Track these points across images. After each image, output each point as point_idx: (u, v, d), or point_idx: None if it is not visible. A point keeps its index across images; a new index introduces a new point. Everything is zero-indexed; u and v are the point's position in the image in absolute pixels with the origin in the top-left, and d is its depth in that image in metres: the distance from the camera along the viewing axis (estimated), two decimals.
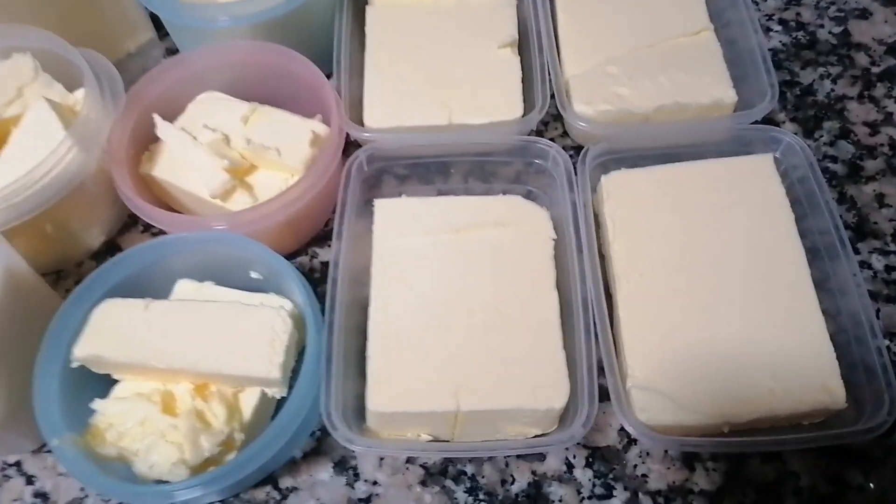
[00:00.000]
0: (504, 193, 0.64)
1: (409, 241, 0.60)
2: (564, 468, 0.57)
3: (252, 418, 0.54)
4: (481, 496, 0.56)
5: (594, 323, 0.55)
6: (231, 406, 0.54)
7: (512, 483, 0.57)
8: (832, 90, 0.76)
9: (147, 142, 0.66)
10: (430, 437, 0.56)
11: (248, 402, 0.55)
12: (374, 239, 0.60)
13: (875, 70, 0.77)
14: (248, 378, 0.53)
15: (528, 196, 0.65)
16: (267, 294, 0.58)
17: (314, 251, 0.68)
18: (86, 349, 0.52)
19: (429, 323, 0.56)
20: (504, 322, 0.56)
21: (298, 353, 0.57)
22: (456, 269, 0.59)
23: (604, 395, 0.53)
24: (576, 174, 0.62)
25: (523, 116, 0.66)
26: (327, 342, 0.54)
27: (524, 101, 0.67)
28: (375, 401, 0.53)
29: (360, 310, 0.58)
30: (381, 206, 0.62)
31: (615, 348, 0.55)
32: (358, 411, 0.55)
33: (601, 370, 0.54)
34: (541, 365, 0.54)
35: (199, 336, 0.53)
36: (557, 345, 0.55)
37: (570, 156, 0.69)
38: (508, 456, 0.57)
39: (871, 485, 0.55)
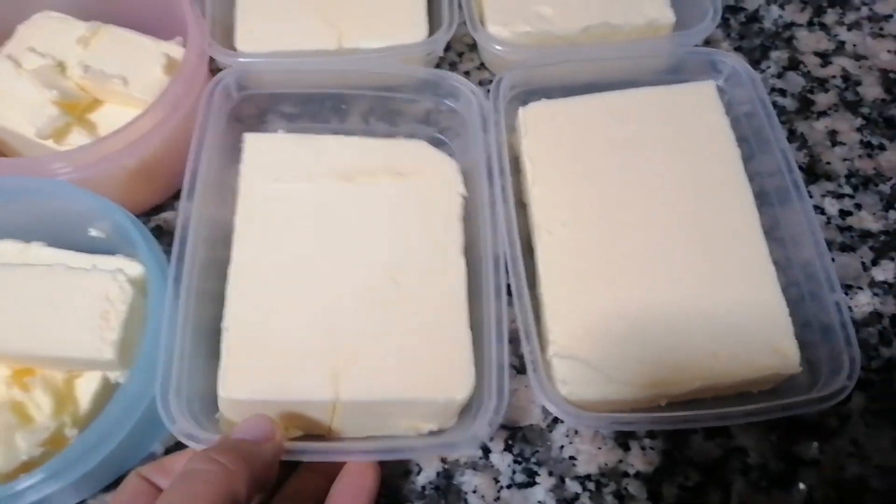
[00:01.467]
0: (409, 137, 0.54)
1: (284, 188, 0.50)
2: (480, 453, 0.49)
3: (90, 409, 0.45)
4: (382, 492, 0.47)
5: (507, 289, 0.46)
6: (61, 395, 0.44)
7: (418, 474, 0.48)
8: (780, 17, 0.69)
9: None
10: (300, 432, 0.46)
11: (86, 389, 0.45)
12: (241, 182, 0.50)
13: None
14: (76, 360, 0.43)
15: (437, 142, 0.55)
16: (112, 256, 0.48)
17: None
18: None
19: (304, 290, 0.47)
20: (399, 293, 0.47)
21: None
22: (341, 226, 0.49)
23: (522, 367, 0.45)
24: (492, 109, 0.53)
25: (428, 38, 0.57)
26: (170, 312, 0.43)
27: (429, 20, 0.58)
28: (229, 385, 0.43)
29: (222, 275, 0.48)
30: (251, 141, 0.52)
31: (535, 312, 0.46)
32: (212, 398, 0.45)
33: (515, 347, 0.46)
34: (441, 347, 0.45)
35: (17, 309, 0.44)
36: (462, 322, 0.46)
37: (487, 91, 0.61)
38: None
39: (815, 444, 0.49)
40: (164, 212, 0.57)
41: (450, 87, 0.55)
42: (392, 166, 0.51)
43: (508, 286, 0.47)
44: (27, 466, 0.42)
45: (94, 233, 0.49)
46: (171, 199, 0.58)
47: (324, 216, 0.49)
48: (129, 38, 0.54)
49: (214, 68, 0.57)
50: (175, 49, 0.54)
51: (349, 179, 0.51)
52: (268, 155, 0.51)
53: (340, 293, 0.46)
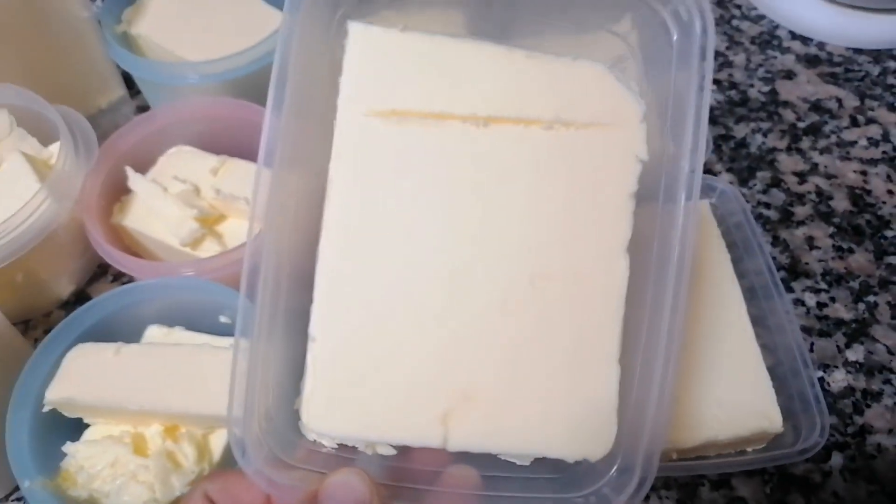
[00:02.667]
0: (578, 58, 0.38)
1: (393, 133, 0.36)
2: None
3: (222, 459, 0.55)
4: None
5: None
6: (201, 447, 0.55)
7: None
8: (763, 143, 0.82)
9: (119, 193, 0.69)
10: (393, 451, 0.38)
11: (218, 442, 0.56)
12: (339, 109, 0.36)
13: (801, 125, 0.84)
14: (217, 417, 0.54)
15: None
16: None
17: None
18: (58, 392, 0.53)
19: (412, 289, 0.36)
20: (536, 304, 0.35)
21: None
22: (469, 196, 0.36)
23: None
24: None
25: None
26: (250, 348, 0.35)
27: None
28: (317, 418, 0.36)
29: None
30: (357, 39, 0.36)
31: None
32: (283, 400, 0.37)
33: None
34: (581, 386, 0.35)
35: (170, 378, 0.55)
36: (611, 355, 0.36)
37: None
38: None
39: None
40: None
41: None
42: (551, 102, 0.36)
43: None
44: (178, 502, 0.53)
45: (223, 319, 0.61)
46: None
47: (447, 181, 0.36)
48: (250, 168, 0.67)
49: None
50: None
51: (488, 122, 0.36)
52: (378, 64, 0.36)
53: (460, 297, 0.35)
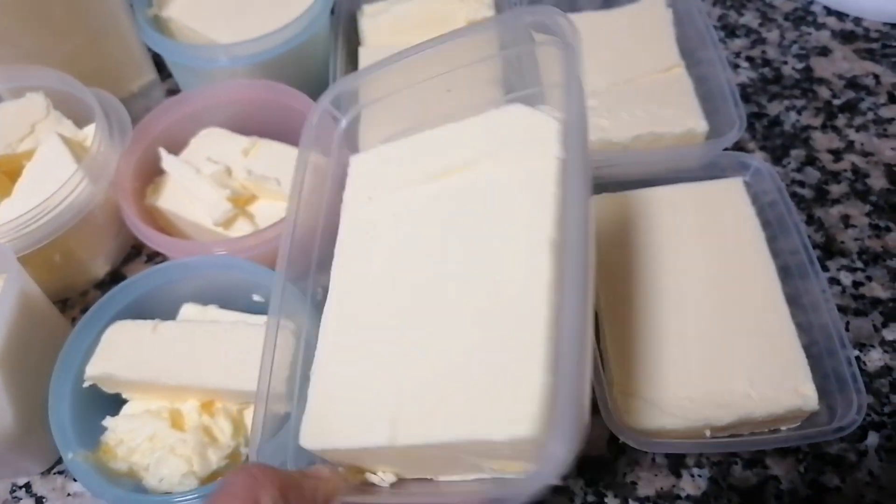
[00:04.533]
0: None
1: (374, 207, 0.47)
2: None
3: None
4: None
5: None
6: (236, 422, 0.56)
7: None
8: (797, 121, 0.81)
9: (152, 175, 0.70)
10: (395, 477, 0.44)
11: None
12: (343, 210, 0.48)
13: (836, 102, 0.82)
14: (252, 393, 0.54)
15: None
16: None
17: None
18: (98, 368, 0.55)
19: (391, 329, 0.42)
20: (473, 316, 0.40)
21: None
22: (432, 245, 0.43)
23: (592, 407, 0.56)
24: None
25: None
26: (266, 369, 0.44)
27: None
28: (305, 436, 0.43)
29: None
30: (355, 164, 0.50)
31: (601, 360, 0.58)
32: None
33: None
34: (508, 377, 0.37)
35: (206, 354, 0.56)
36: (539, 344, 0.37)
37: None
38: None
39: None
40: None
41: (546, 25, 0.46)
42: (490, 144, 0.44)
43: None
44: (215, 475, 0.54)
45: (256, 297, 0.62)
46: None
47: (414, 235, 0.44)
48: (279, 149, 0.68)
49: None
50: (316, 156, 0.68)
51: (441, 176, 0.45)
52: (366, 175, 0.49)
53: (429, 334, 0.41)
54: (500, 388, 0.37)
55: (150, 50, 0.80)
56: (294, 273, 0.48)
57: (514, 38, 0.50)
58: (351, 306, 0.45)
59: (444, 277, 0.42)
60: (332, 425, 0.41)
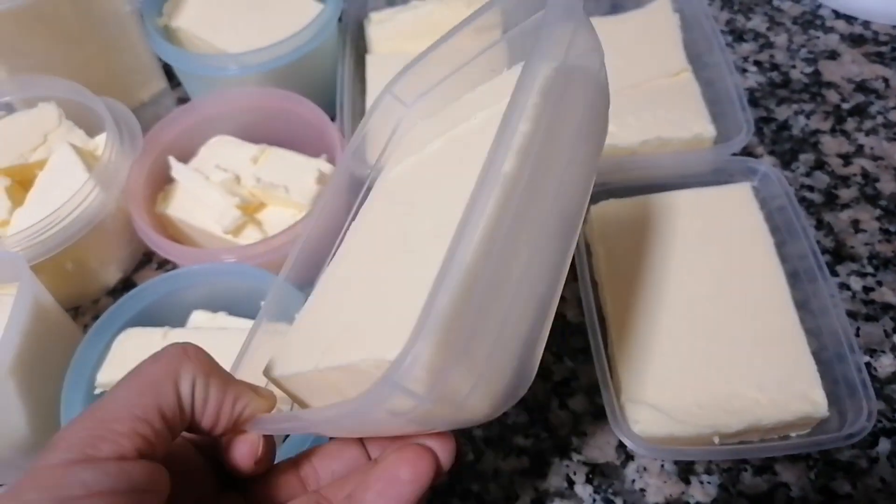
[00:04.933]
0: None
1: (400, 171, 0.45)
2: (566, 484, 0.59)
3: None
4: None
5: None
6: None
7: (516, 500, 0.59)
8: (806, 125, 0.81)
9: (162, 183, 0.70)
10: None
11: None
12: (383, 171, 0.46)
13: (845, 106, 0.82)
14: None
15: None
16: (278, 322, 0.61)
17: None
18: (109, 375, 0.55)
19: (364, 272, 0.41)
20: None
21: None
22: (446, 188, 0.39)
23: (600, 413, 0.56)
24: None
25: None
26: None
27: None
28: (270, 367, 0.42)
29: None
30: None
31: (609, 367, 0.58)
32: None
33: (593, 396, 0.53)
34: (408, 299, 0.34)
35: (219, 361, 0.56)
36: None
37: None
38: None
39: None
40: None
41: None
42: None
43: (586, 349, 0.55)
44: None
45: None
46: None
47: (432, 178, 0.41)
48: (288, 157, 0.69)
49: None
50: (324, 164, 0.68)
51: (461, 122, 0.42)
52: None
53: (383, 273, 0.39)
54: (398, 314, 0.33)
55: (160, 59, 0.81)
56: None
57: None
58: (347, 263, 0.44)
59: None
60: (285, 358, 0.41)
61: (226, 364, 0.51)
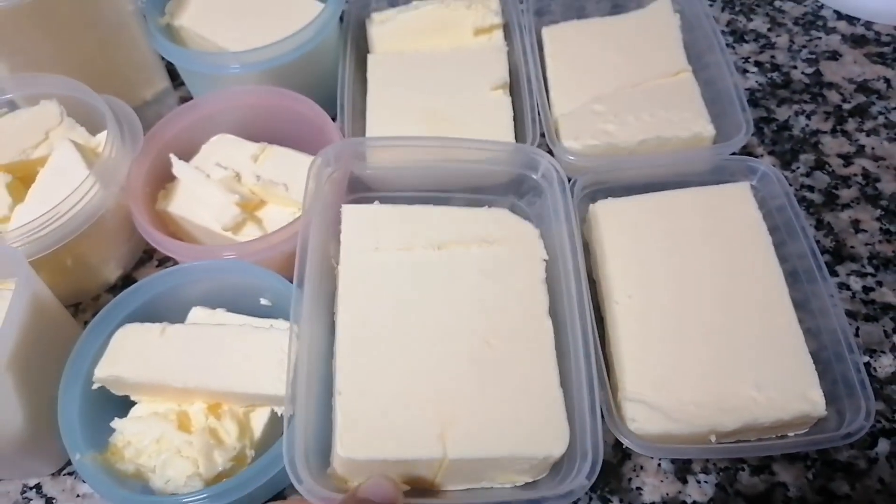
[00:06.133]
0: (489, 206, 0.60)
1: (381, 257, 0.55)
2: None
3: (262, 436, 0.57)
4: None
5: (594, 361, 0.52)
6: (242, 424, 0.57)
7: None
8: (807, 125, 0.80)
9: (163, 181, 0.71)
10: (406, 487, 0.50)
11: (259, 420, 0.57)
12: (342, 249, 0.55)
13: (846, 107, 0.82)
14: (259, 396, 0.56)
15: (515, 211, 0.62)
16: (277, 319, 0.61)
17: None
18: (106, 370, 0.55)
19: (406, 353, 0.50)
20: (493, 354, 0.51)
21: None
22: (437, 291, 0.53)
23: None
24: (571, 195, 0.61)
25: None
26: (291, 382, 0.48)
27: (516, 139, 0.71)
28: (347, 445, 0.47)
29: (331, 332, 0.54)
30: (349, 213, 0.57)
31: (606, 365, 0.58)
32: (320, 453, 0.50)
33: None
34: (536, 405, 0.49)
35: (213, 357, 0.56)
36: (553, 381, 0.51)
37: None
38: None
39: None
40: None
41: (529, 161, 0.62)
42: (479, 233, 0.56)
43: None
44: (220, 477, 0.54)
45: (263, 301, 0.62)
46: None
47: (420, 282, 0.54)
48: (288, 154, 0.69)
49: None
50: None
51: (441, 247, 0.56)
52: (365, 225, 0.56)
53: (440, 355, 0.51)
54: (531, 413, 0.49)
55: (163, 59, 0.82)
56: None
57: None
58: (366, 333, 0.51)
59: (456, 325, 0.52)
60: (377, 438, 0.47)
61: (230, 362, 0.56)
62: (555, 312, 0.55)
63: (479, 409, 0.49)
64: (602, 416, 0.51)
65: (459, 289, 0.54)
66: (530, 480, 0.52)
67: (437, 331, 0.52)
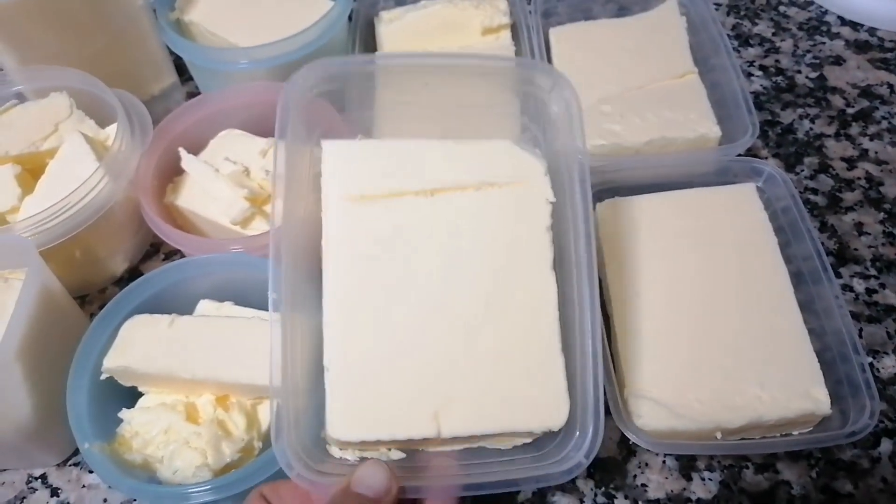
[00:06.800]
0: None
1: (367, 210, 0.48)
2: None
3: (269, 428, 0.57)
4: None
5: (599, 328, 0.47)
6: (250, 416, 0.57)
7: (518, 493, 0.59)
8: (811, 129, 0.81)
9: (171, 174, 0.71)
10: (402, 454, 0.48)
11: (267, 412, 0.57)
12: (323, 199, 0.48)
13: (850, 111, 0.82)
14: (266, 387, 0.55)
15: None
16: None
17: None
18: (115, 361, 0.55)
19: (399, 321, 0.46)
20: (492, 319, 0.46)
21: None
22: (431, 250, 0.47)
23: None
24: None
25: None
26: (280, 364, 0.44)
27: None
28: (337, 426, 0.45)
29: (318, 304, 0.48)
30: (329, 148, 0.49)
31: (612, 362, 0.58)
32: (312, 428, 0.47)
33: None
34: (536, 375, 0.46)
35: (221, 349, 0.56)
36: (554, 347, 0.46)
37: None
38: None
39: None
40: None
41: (539, 77, 0.53)
42: (479, 174, 0.49)
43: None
44: (228, 468, 0.54)
45: (273, 295, 0.63)
46: None
47: (412, 239, 0.48)
48: None
49: None
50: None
51: (435, 193, 0.49)
52: (348, 164, 0.48)
53: (434, 323, 0.46)
54: (528, 385, 0.45)
55: (171, 54, 0.82)
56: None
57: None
58: (356, 304, 0.47)
59: (453, 286, 0.47)
60: (370, 418, 0.45)
61: (238, 353, 0.55)
62: (560, 262, 0.49)
63: (474, 384, 0.45)
64: (605, 396, 0.48)
65: (456, 244, 0.48)
66: (530, 441, 0.49)
67: (432, 295, 0.47)
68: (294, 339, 0.45)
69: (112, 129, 0.68)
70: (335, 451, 0.47)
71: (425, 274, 0.47)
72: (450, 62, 0.56)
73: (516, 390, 0.45)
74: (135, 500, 0.59)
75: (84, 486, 0.60)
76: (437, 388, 0.45)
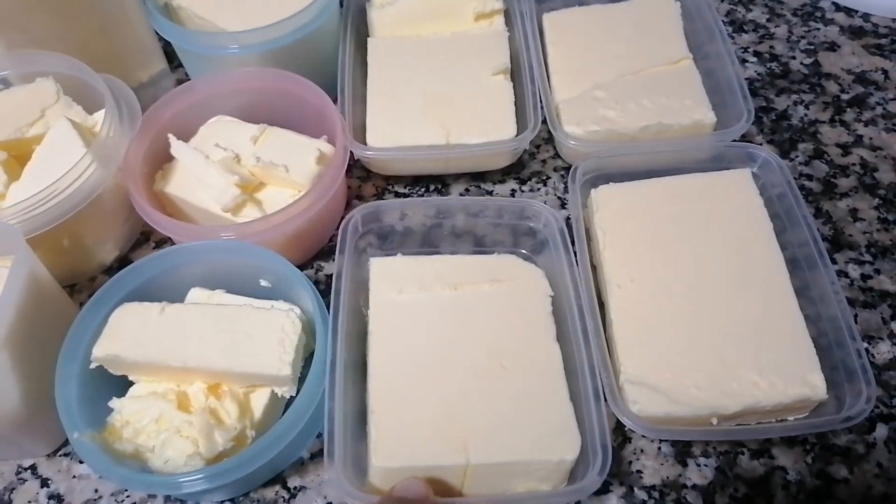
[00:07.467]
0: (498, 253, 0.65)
1: (405, 298, 0.60)
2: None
3: (262, 417, 0.56)
4: None
5: (601, 380, 0.55)
6: (242, 405, 0.56)
7: None
8: (805, 115, 0.81)
9: (161, 161, 0.70)
10: (437, 498, 0.53)
11: (259, 401, 0.57)
12: (371, 295, 0.61)
13: (845, 97, 0.82)
14: (259, 375, 0.55)
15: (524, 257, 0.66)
16: (277, 301, 0.61)
17: (319, 265, 0.71)
18: (104, 349, 0.55)
19: (430, 376, 0.56)
20: (507, 375, 0.56)
21: (305, 359, 0.59)
22: (455, 324, 0.59)
23: (596, 395, 0.56)
24: (566, 191, 0.64)
25: (517, 136, 0.70)
26: (332, 349, 0.55)
27: (518, 124, 0.71)
28: (381, 455, 0.52)
29: (362, 336, 0.60)
30: (376, 264, 0.62)
31: (608, 348, 0.58)
32: (354, 461, 0.54)
33: (591, 378, 0.55)
34: (549, 416, 0.54)
35: (213, 337, 0.56)
36: (564, 395, 0.55)
37: (562, 175, 0.74)
38: None
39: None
40: (304, 269, 0.71)
41: (532, 212, 0.65)
42: (490, 276, 0.61)
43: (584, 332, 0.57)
44: (220, 457, 0.54)
45: (263, 283, 0.62)
46: (310, 260, 0.72)
47: (440, 317, 0.59)
48: (289, 136, 0.68)
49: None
50: (324, 145, 0.68)
51: (457, 288, 0.61)
52: (390, 273, 0.62)
53: (460, 377, 0.56)
54: (545, 423, 0.54)
55: (160, 40, 0.81)
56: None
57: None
58: (395, 361, 0.57)
59: (474, 351, 0.57)
60: (407, 448, 0.53)
61: (230, 341, 0.56)
62: (566, 340, 0.59)
63: (497, 422, 0.54)
64: (607, 411, 0.53)
65: (475, 321, 0.59)
66: (550, 489, 0.55)
67: (457, 357, 0.57)
68: (344, 391, 0.55)
69: (100, 116, 0.67)
70: (376, 481, 0.54)
71: (452, 341, 0.58)
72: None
73: (533, 430, 0.53)
74: (126, 490, 0.58)
75: (74, 477, 0.59)
76: (464, 426, 0.53)
